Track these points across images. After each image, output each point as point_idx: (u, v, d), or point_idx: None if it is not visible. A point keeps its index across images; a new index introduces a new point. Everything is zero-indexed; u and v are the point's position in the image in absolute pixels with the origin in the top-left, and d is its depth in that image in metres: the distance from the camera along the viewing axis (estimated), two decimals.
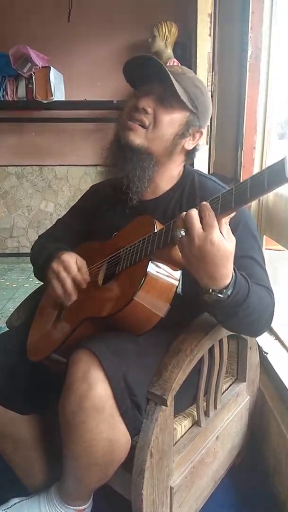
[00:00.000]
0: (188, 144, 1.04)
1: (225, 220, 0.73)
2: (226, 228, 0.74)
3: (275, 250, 1.66)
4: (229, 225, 0.76)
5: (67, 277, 0.96)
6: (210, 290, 0.78)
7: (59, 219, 1.31)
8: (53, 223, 1.33)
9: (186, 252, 0.75)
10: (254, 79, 1.54)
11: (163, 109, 0.98)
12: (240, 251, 0.91)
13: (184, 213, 0.75)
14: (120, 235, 1.05)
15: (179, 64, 2.55)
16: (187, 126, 1.00)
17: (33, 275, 1.20)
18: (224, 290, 0.77)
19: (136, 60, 0.97)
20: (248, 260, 0.95)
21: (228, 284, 0.77)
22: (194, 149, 1.08)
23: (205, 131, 1.08)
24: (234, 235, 0.79)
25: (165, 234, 0.83)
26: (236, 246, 0.76)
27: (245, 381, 1.26)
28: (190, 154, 1.09)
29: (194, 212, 0.73)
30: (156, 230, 0.88)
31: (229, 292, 0.78)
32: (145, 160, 0.99)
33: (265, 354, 1.39)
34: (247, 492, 1.25)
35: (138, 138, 0.98)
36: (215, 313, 0.89)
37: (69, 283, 0.96)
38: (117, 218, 1.09)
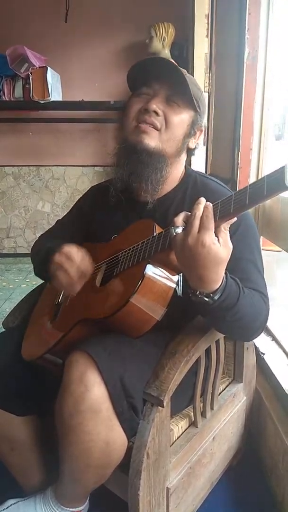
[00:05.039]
0: (192, 143, 1.05)
1: (224, 226, 0.74)
2: (224, 234, 0.74)
3: (271, 251, 1.66)
4: (230, 226, 0.76)
5: (71, 266, 0.95)
6: (197, 292, 0.78)
7: (58, 219, 1.31)
8: (50, 223, 1.34)
9: (178, 251, 0.76)
10: (251, 80, 1.54)
11: (172, 110, 0.98)
12: (238, 253, 0.91)
13: (184, 213, 0.76)
14: (119, 237, 1.05)
15: None
16: (193, 125, 1.02)
17: (31, 275, 1.20)
18: (211, 295, 0.78)
19: (145, 62, 0.97)
20: (245, 263, 0.95)
21: (217, 289, 0.78)
22: (195, 148, 1.09)
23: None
24: (233, 237, 0.78)
25: (163, 238, 0.83)
26: (234, 248, 0.76)
27: (242, 382, 1.26)
28: (190, 152, 1.09)
29: (198, 213, 0.74)
30: (155, 234, 0.88)
31: (215, 297, 0.78)
32: (160, 161, 0.98)
33: (262, 355, 1.39)
34: (244, 492, 1.25)
35: (153, 140, 0.97)
36: (203, 314, 0.90)
37: (73, 272, 0.94)
38: (116, 220, 1.09)
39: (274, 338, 1.48)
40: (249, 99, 1.56)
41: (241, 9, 1.54)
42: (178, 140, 1.00)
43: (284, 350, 1.44)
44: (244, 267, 0.94)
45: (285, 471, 1.14)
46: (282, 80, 1.61)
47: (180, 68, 1.06)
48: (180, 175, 1.09)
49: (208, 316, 0.88)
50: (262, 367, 1.38)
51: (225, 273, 0.79)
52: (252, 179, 1.64)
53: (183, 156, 1.07)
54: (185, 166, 1.11)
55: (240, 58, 1.56)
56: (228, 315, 0.83)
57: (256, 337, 0.98)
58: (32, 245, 1.25)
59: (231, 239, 0.77)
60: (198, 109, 1.01)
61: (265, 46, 1.52)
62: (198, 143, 1.09)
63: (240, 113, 1.59)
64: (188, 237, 0.73)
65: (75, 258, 0.95)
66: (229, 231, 0.78)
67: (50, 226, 1.32)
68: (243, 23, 1.51)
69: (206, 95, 1.09)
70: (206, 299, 0.78)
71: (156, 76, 0.98)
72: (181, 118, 0.99)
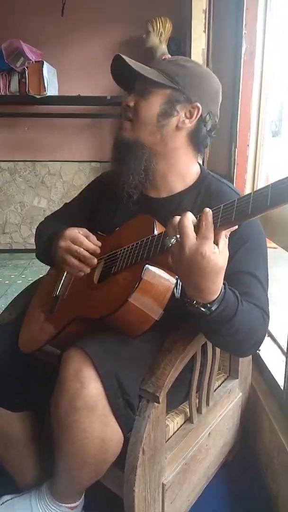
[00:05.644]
0: (183, 122, 0.97)
1: (226, 233, 0.71)
2: (223, 241, 0.70)
3: (268, 247, 1.66)
4: (238, 238, 0.73)
5: (79, 247, 0.97)
6: (194, 302, 0.76)
7: (66, 202, 1.31)
8: None
9: (175, 260, 0.73)
10: (248, 75, 1.54)
11: (143, 99, 0.98)
12: (244, 267, 0.90)
13: (177, 218, 0.72)
14: (120, 232, 1.04)
15: None
16: (171, 103, 0.97)
17: (27, 271, 1.19)
18: (208, 305, 0.76)
19: (113, 66, 1.01)
20: (249, 278, 0.92)
21: (214, 300, 0.76)
22: (199, 131, 1.00)
23: (212, 106, 1.01)
24: (241, 249, 0.76)
25: (162, 240, 0.81)
26: (240, 261, 0.74)
27: (237, 378, 1.27)
28: (196, 139, 1.01)
29: (187, 221, 0.70)
30: (155, 233, 0.87)
31: (213, 308, 0.76)
32: (137, 150, 0.98)
33: (258, 351, 1.40)
34: (239, 488, 1.26)
35: (127, 132, 1.00)
36: (199, 325, 0.88)
37: (82, 253, 0.96)
38: (121, 212, 1.08)
39: (270, 334, 1.49)
40: (246, 95, 1.55)
41: (238, 4, 1.53)
42: (151, 122, 0.97)
43: (279, 346, 1.44)
44: (248, 281, 0.91)
45: (280, 467, 1.15)
46: (280, 76, 1.61)
47: (176, 56, 1.05)
48: (195, 174, 1.05)
49: (203, 327, 0.87)
50: (258, 363, 1.39)
51: (224, 283, 0.77)
52: (249, 176, 1.64)
53: (180, 142, 1.00)
54: (201, 168, 1.07)
55: (237, 54, 1.55)
56: (224, 328, 0.81)
57: (250, 354, 0.96)
58: (37, 226, 1.26)
59: (238, 251, 0.74)
60: (175, 85, 0.96)
61: (262, 41, 1.51)
62: (207, 124, 1.01)
63: (237, 109, 1.58)
64: (186, 247, 0.69)
65: (80, 239, 0.98)
66: (237, 242, 0.75)
67: None
68: (240, 19, 1.51)
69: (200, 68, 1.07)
70: (203, 309, 0.76)
71: (125, 73, 0.98)
72: (150, 101, 0.97)
